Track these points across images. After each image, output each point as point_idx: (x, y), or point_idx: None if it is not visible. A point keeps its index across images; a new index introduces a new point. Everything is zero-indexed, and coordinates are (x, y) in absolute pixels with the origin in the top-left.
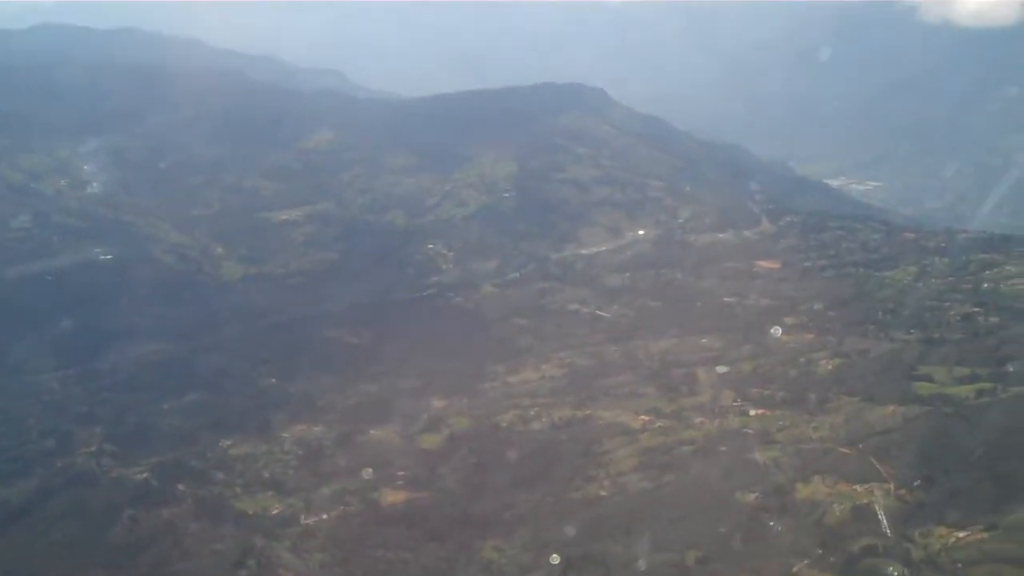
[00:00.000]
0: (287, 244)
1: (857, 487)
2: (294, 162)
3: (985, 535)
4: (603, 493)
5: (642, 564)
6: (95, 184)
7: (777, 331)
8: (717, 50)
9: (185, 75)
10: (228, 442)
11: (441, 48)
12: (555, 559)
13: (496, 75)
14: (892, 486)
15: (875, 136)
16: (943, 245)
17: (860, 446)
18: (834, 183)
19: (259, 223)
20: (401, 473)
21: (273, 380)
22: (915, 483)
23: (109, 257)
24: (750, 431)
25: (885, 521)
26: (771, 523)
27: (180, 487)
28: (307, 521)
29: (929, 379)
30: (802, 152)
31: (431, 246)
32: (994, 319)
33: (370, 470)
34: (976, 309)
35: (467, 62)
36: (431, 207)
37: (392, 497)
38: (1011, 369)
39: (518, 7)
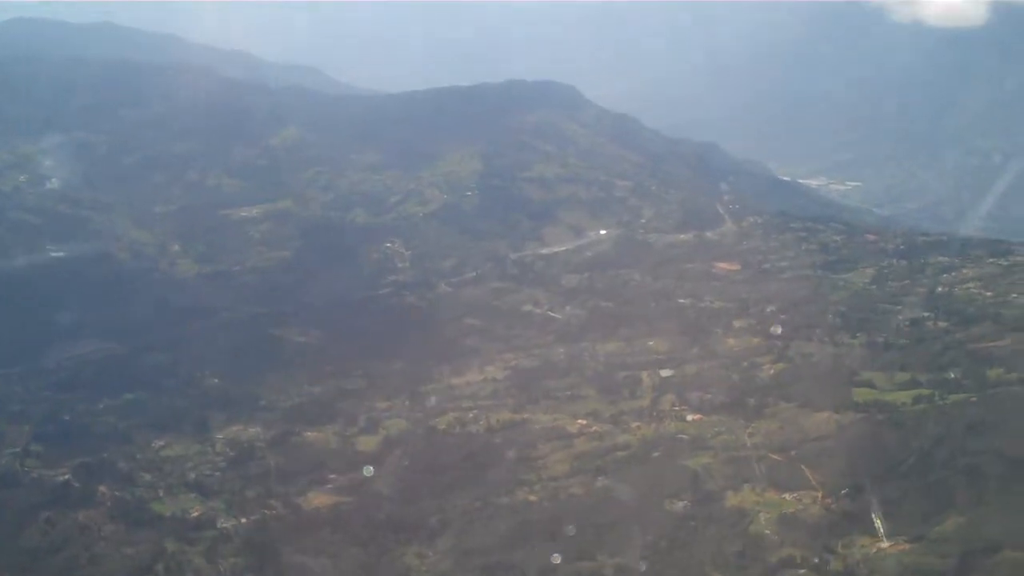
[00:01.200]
0: (244, 242)
1: (786, 495)
2: (259, 159)
3: (908, 546)
4: (533, 498)
5: (560, 573)
6: (55, 180)
7: (725, 335)
8: (701, 50)
9: (157, 71)
10: (160, 442)
11: (426, 45)
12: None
13: (481, 72)
14: (820, 494)
15: (856, 136)
16: (902, 247)
17: (792, 453)
18: (814, 183)
19: (218, 220)
20: (332, 476)
21: (216, 380)
22: (843, 492)
23: (62, 254)
24: (685, 437)
25: (809, 531)
26: (696, 532)
27: (101, 489)
28: (225, 525)
29: (870, 385)
30: (784, 152)
31: (389, 245)
32: (943, 324)
33: (299, 473)
34: (926, 314)
35: (452, 59)
36: (393, 205)
37: (318, 500)
38: (952, 376)
39: (506, 5)
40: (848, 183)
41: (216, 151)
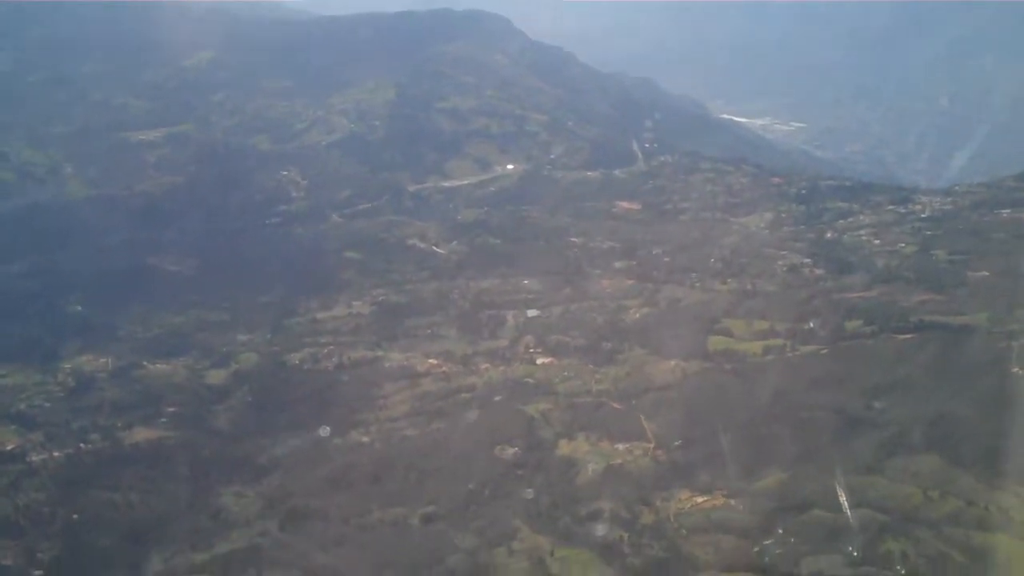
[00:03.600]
0: (139, 165)
1: (619, 446)
2: (169, 80)
3: (724, 501)
4: (365, 440)
5: (367, 519)
6: None
7: (602, 276)
8: None
9: None
10: (2, 372)
11: None
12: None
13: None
14: (652, 446)
15: (804, 81)
16: (804, 192)
17: (633, 402)
18: (759, 123)
19: (116, 142)
20: (170, 410)
21: (80, 307)
22: (676, 443)
23: None
24: (531, 381)
25: (633, 483)
26: (519, 481)
27: None
28: (34, 458)
29: (727, 333)
30: (732, 92)
31: (285, 173)
32: (819, 271)
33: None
34: (806, 260)
35: None
36: (298, 133)
37: (143, 435)
38: (811, 325)
39: None
40: (793, 124)
41: (126, 72)
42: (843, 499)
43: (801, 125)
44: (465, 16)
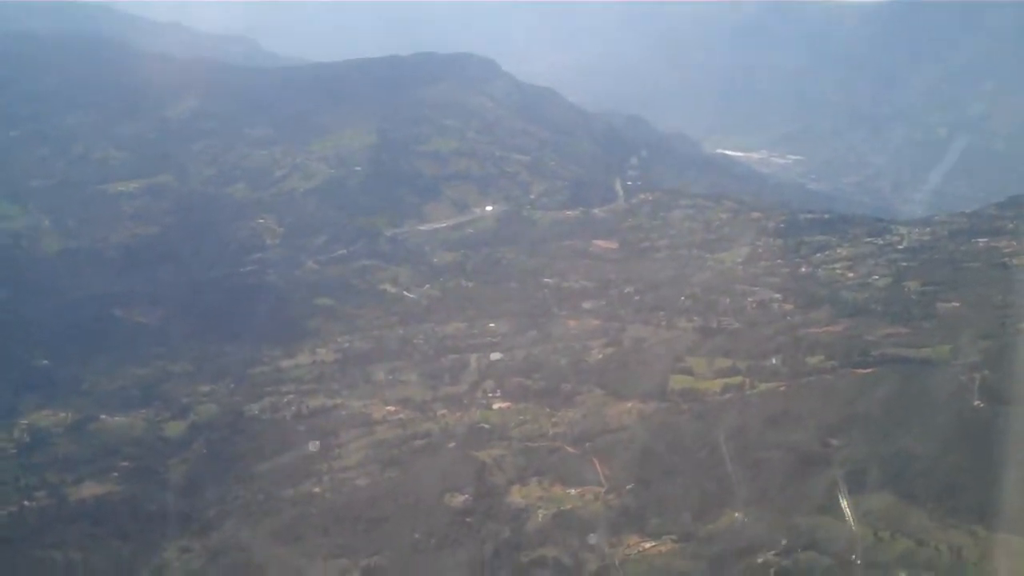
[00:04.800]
0: (116, 217)
1: (571, 490)
2: (150, 131)
3: (673, 546)
4: (316, 490)
5: (310, 573)
6: None
7: (569, 317)
8: (653, 28)
9: (58, 43)
10: None
11: (380, 17)
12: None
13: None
14: (604, 490)
15: (801, 111)
16: (782, 226)
17: (587, 445)
18: (755, 156)
19: (94, 195)
20: (124, 464)
21: (46, 361)
22: (628, 487)
23: None
24: (487, 426)
25: (583, 529)
26: (467, 529)
27: None
28: None
29: (689, 372)
30: (728, 126)
31: (262, 221)
32: (789, 306)
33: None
34: (776, 295)
35: (403, 33)
36: (277, 180)
37: (90, 490)
38: (773, 362)
39: None
40: (789, 156)
41: (109, 123)
42: (787, 542)
43: (798, 158)
44: (450, 59)
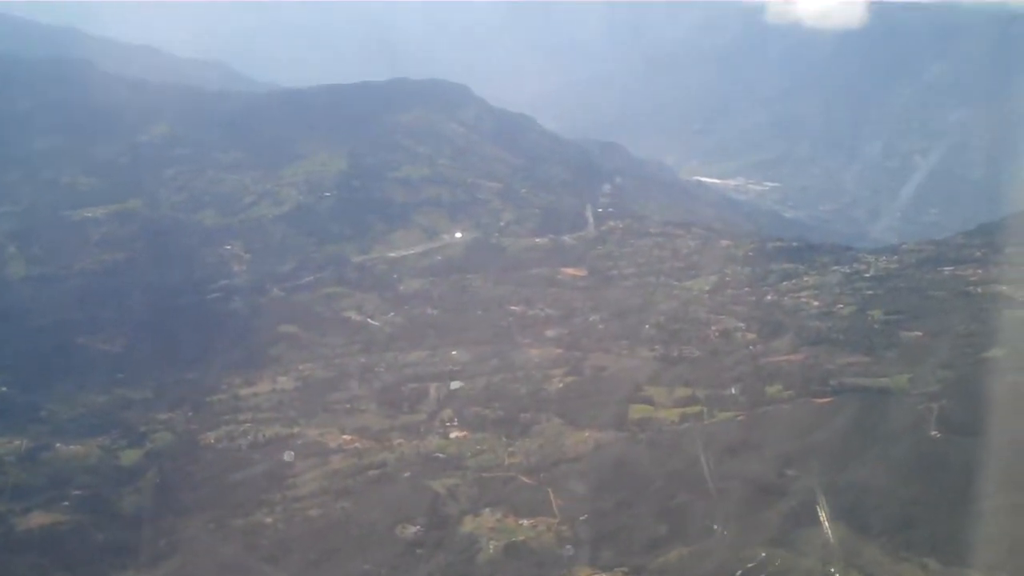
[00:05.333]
0: (82, 244)
1: (523, 521)
2: (122, 156)
3: None
4: (268, 520)
5: None
6: None
7: (531, 345)
8: (629, 51)
9: (29, 66)
10: None
11: (362, 44)
12: None
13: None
14: (557, 521)
15: (779, 136)
16: (750, 254)
17: (542, 475)
18: (731, 183)
19: (61, 221)
20: (76, 493)
21: (4, 388)
22: (581, 518)
23: None
24: (442, 456)
25: (533, 561)
26: (416, 561)
27: None
28: None
29: (649, 401)
30: (707, 152)
31: (229, 247)
32: (752, 335)
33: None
34: (740, 324)
35: (382, 57)
36: (246, 206)
37: (39, 520)
38: (732, 391)
39: (438, 5)
40: (766, 183)
41: (79, 148)
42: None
43: (775, 184)
44: (422, 85)
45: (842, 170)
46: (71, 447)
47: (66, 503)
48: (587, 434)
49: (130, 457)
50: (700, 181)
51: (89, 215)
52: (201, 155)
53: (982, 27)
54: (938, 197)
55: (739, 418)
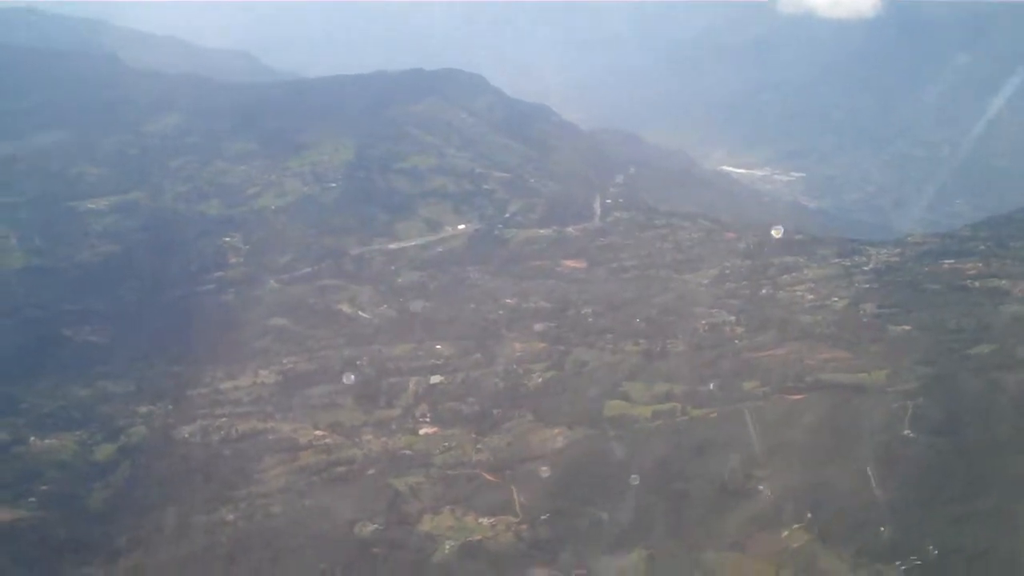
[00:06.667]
0: (83, 234)
1: (484, 520)
2: (131, 147)
3: None
4: (230, 517)
5: None
6: None
7: (516, 339)
8: (658, 46)
9: (42, 57)
10: None
11: (389, 38)
12: None
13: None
14: (517, 520)
15: (805, 127)
16: (753, 247)
17: (507, 473)
18: (758, 173)
19: (64, 212)
20: (43, 488)
21: None
22: (543, 517)
23: None
24: (409, 452)
25: (489, 562)
26: (371, 561)
27: None
28: None
29: (627, 397)
30: (734, 142)
31: (227, 239)
32: (740, 329)
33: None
34: (731, 318)
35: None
36: (250, 197)
37: (1, 516)
38: (711, 387)
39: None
40: (793, 174)
41: (90, 140)
42: None
43: (801, 175)
44: (436, 75)
45: (868, 160)
46: (46, 441)
47: (32, 499)
48: (557, 431)
49: (105, 452)
50: (725, 171)
51: (92, 206)
52: (210, 145)
53: (1010, 18)
54: (964, 188)
55: (712, 415)
